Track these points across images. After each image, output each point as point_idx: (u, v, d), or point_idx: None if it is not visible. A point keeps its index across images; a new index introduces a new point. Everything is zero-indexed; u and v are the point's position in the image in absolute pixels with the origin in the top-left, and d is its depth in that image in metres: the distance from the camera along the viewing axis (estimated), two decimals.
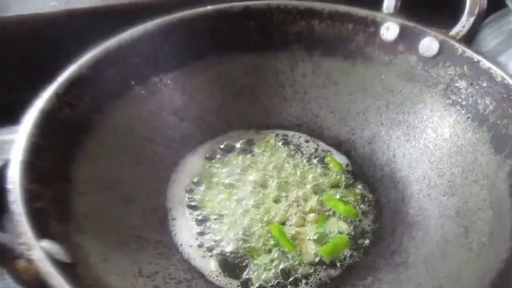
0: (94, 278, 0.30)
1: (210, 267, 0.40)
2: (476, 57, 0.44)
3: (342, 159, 0.51)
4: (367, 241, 0.43)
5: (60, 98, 0.38)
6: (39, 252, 0.27)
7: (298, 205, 0.45)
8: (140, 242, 0.39)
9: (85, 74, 0.41)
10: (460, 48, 0.45)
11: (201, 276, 0.39)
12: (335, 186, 0.48)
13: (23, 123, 0.35)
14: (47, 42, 0.57)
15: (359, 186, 0.48)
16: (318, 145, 0.52)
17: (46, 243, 0.28)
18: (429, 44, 0.47)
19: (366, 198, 0.47)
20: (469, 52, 0.44)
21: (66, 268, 0.27)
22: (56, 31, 0.57)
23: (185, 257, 0.41)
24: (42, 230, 0.29)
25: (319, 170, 0.49)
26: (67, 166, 0.37)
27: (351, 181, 0.49)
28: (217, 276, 0.40)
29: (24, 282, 0.27)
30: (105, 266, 0.33)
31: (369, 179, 0.49)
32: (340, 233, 0.43)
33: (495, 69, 0.42)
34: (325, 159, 0.51)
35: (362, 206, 0.46)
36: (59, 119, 0.38)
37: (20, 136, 0.34)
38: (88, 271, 0.30)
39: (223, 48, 0.51)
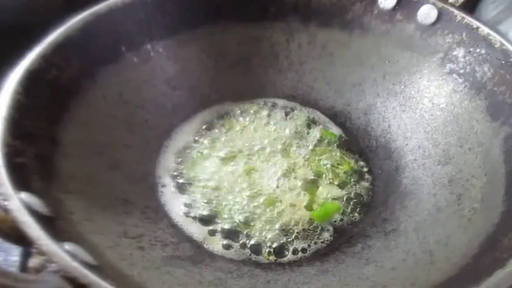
0: (75, 234, 0.30)
1: (198, 232, 0.40)
2: (475, 23, 0.43)
3: (336, 130, 0.50)
4: (358, 210, 0.43)
5: (46, 59, 0.37)
6: (17, 202, 0.27)
7: (290, 172, 0.45)
8: (127, 206, 0.39)
9: (73, 37, 0.40)
10: (459, 15, 0.44)
11: (189, 240, 0.39)
12: (328, 155, 0.47)
13: (8, 80, 0.34)
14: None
15: (353, 157, 0.48)
16: (312, 116, 0.51)
17: (25, 195, 0.28)
18: (427, 12, 0.46)
19: (360, 169, 0.47)
20: (468, 19, 0.43)
21: (44, 220, 0.27)
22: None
23: (173, 222, 0.40)
24: (22, 183, 0.29)
25: (312, 140, 0.48)
26: (53, 128, 0.37)
27: (345, 152, 0.48)
28: (205, 241, 0.39)
29: (1, 232, 0.27)
30: (88, 224, 0.33)
31: (364, 149, 0.49)
32: (332, 198, 0.43)
33: (494, 35, 0.41)
34: (319, 130, 0.50)
35: (355, 176, 0.46)
36: (46, 80, 0.37)
37: (3, 93, 0.33)
38: (68, 227, 0.30)
39: (217, 18, 0.50)
